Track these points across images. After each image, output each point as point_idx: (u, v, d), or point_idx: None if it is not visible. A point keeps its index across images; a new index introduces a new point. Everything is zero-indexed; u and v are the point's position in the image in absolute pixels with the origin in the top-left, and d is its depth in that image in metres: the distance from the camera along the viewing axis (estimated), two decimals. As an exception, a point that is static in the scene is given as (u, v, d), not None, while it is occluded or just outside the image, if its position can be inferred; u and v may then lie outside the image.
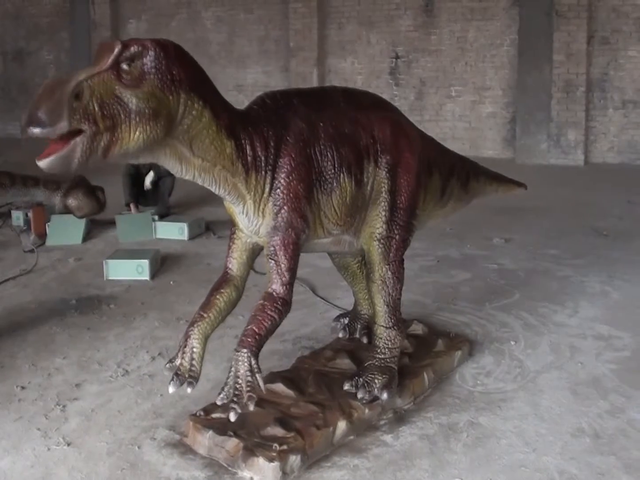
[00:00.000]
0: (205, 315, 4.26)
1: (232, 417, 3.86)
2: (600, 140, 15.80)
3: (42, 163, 3.36)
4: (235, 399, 3.87)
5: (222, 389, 3.95)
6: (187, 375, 4.16)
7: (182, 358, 4.22)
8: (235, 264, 4.40)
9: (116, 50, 3.48)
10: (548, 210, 10.81)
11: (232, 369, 3.95)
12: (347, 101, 4.56)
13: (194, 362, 4.21)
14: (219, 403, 3.95)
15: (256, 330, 3.96)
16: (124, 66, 3.48)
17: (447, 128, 16.93)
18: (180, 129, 3.69)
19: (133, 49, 3.52)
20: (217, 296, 4.32)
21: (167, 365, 4.27)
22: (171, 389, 4.15)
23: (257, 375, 3.91)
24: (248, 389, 3.88)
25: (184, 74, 3.66)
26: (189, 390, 4.15)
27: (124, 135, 3.47)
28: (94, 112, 3.38)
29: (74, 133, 3.35)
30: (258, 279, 6.38)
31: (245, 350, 3.92)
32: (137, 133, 3.50)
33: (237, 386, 3.90)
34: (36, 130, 3.26)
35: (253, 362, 3.92)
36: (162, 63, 3.57)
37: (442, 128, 16.82)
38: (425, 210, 5.01)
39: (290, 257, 4.10)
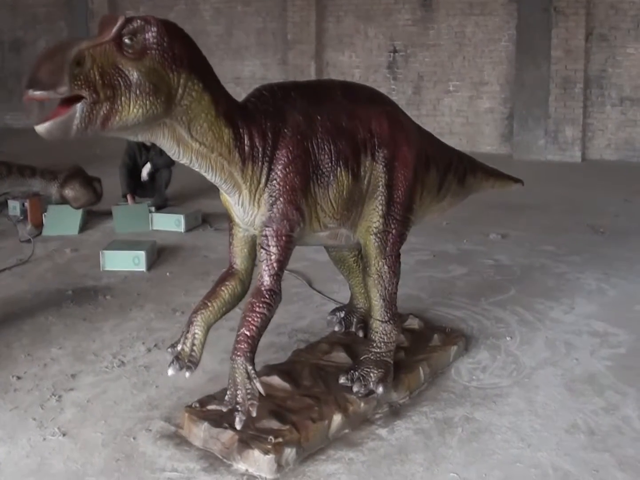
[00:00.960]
0: (209, 304, 4.30)
1: (238, 424, 3.92)
2: (598, 137, 15.81)
3: (41, 127, 3.35)
4: (238, 407, 3.93)
5: (225, 394, 4.02)
6: (186, 360, 4.20)
7: (184, 344, 4.26)
8: (238, 258, 4.41)
9: (119, 22, 3.48)
10: (545, 207, 10.82)
11: (230, 377, 4.01)
12: (344, 95, 4.56)
13: (194, 348, 4.25)
14: (224, 410, 4.01)
15: (248, 333, 3.99)
16: (127, 40, 3.48)
17: (444, 123, 16.94)
18: (179, 110, 3.70)
19: (136, 23, 3.52)
20: (222, 288, 4.35)
21: (169, 350, 4.32)
22: (170, 372, 4.20)
23: (254, 381, 3.97)
24: (248, 396, 3.93)
25: (185, 54, 3.68)
26: (187, 374, 4.19)
27: (123, 107, 3.48)
28: (94, 79, 3.38)
29: (74, 100, 3.35)
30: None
31: (239, 358, 3.97)
32: (137, 106, 3.50)
33: (238, 393, 3.95)
34: (36, 93, 3.25)
35: (249, 368, 3.96)
36: (164, 39, 3.57)
37: (440, 123, 16.83)
38: (422, 205, 5.01)
39: (282, 249, 4.11)
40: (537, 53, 15.65)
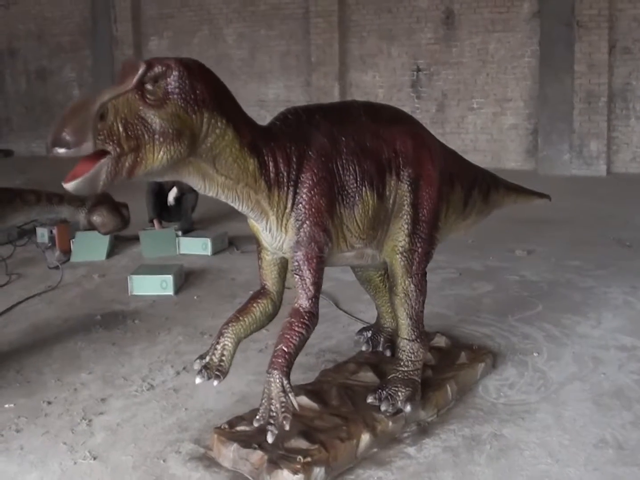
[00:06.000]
0: (240, 318, 4.32)
1: (270, 438, 3.90)
2: (623, 151, 15.76)
3: (69, 186, 3.41)
4: (271, 420, 3.92)
5: (258, 410, 4.00)
6: (215, 370, 4.21)
7: (213, 354, 4.27)
8: (268, 281, 4.44)
9: (140, 70, 3.50)
10: (570, 222, 10.79)
11: (265, 391, 4.00)
12: (368, 115, 4.57)
13: (223, 359, 4.26)
14: (256, 425, 4.00)
15: (285, 349, 4.01)
16: (148, 86, 3.50)
17: (468, 140, 16.94)
18: (203, 147, 3.72)
19: (157, 69, 3.53)
20: (254, 304, 4.38)
21: (197, 360, 4.32)
22: (198, 380, 4.21)
23: (289, 395, 3.96)
24: (282, 409, 3.93)
25: (207, 92, 3.68)
26: (215, 383, 4.21)
27: (147, 156, 3.51)
28: (118, 133, 3.41)
29: (99, 153, 3.39)
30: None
31: (276, 372, 3.97)
32: (161, 153, 3.53)
33: (272, 407, 3.95)
34: (61, 151, 3.31)
35: (285, 382, 3.97)
36: (185, 83, 3.58)
37: (464, 140, 16.83)
38: (447, 222, 5.01)
39: (314, 271, 4.12)
40: (560, 68, 15.65)
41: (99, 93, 3.48)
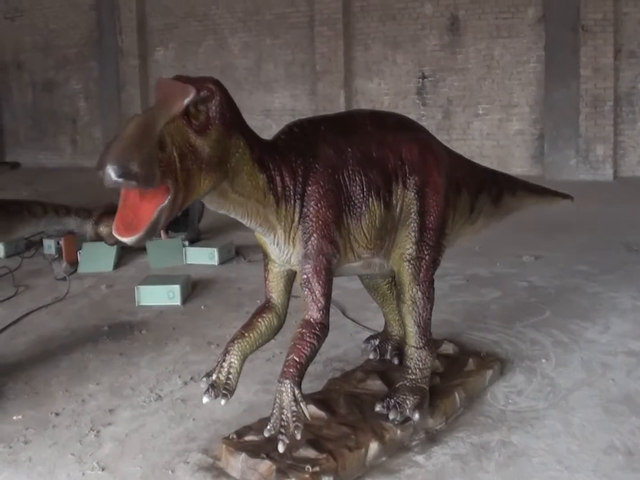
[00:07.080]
0: (246, 334, 4.31)
1: (281, 448, 3.90)
2: (630, 155, 15.75)
3: (129, 240, 3.36)
4: (282, 430, 3.91)
5: (269, 420, 3.99)
6: (222, 388, 4.21)
7: (219, 372, 4.26)
8: (274, 293, 4.43)
9: (192, 95, 3.46)
10: (578, 227, 10.77)
11: (277, 400, 3.99)
12: (374, 124, 4.56)
13: (230, 377, 4.25)
14: (266, 435, 3.98)
15: (297, 359, 4.00)
16: (192, 109, 3.49)
17: (475, 147, 16.94)
18: (228, 167, 3.73)
19: (203, 93, 3.52)
20: (259, 319, 4.36)
21: (204, 379, 4.31)
22: (205, 400, 4.19)
23: (301, 404, 3.96)
24: (294, 418, 3.92)
25: (233, 114, 3.71)
26: (222, 402, 4.19)
27: (196, 188, 3.52)
28: (175, 165, 3.39)
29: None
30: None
31: (288, 381, 3.97)
32: (207, 182, 3.56)
33: (283, 417, 3.94)
34: (128, 184, 3.24)
35: (296, 391, 3.96)
36: (223, 107, 3.61)
37: (470, 147, 16.83)
38: (454, 229, 4.99)
39: (323, 283, 4.12)
40: (566, 73, 15.65)
41: (151, 114, 3.43)
